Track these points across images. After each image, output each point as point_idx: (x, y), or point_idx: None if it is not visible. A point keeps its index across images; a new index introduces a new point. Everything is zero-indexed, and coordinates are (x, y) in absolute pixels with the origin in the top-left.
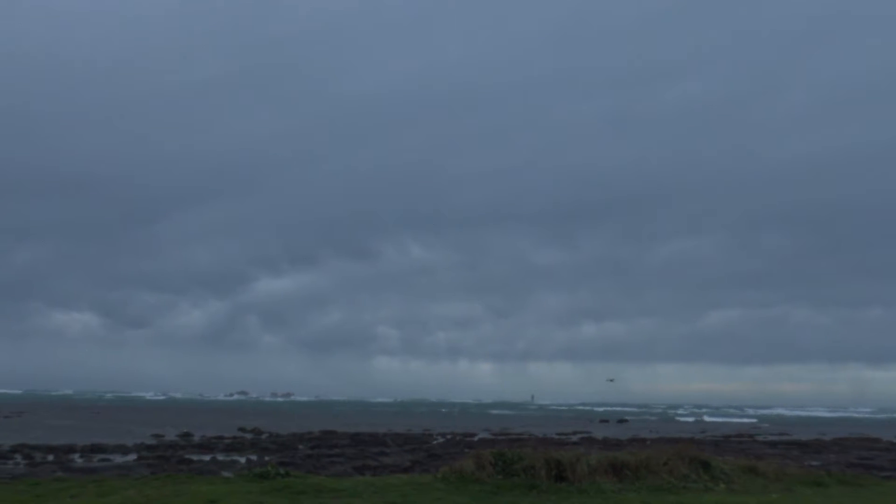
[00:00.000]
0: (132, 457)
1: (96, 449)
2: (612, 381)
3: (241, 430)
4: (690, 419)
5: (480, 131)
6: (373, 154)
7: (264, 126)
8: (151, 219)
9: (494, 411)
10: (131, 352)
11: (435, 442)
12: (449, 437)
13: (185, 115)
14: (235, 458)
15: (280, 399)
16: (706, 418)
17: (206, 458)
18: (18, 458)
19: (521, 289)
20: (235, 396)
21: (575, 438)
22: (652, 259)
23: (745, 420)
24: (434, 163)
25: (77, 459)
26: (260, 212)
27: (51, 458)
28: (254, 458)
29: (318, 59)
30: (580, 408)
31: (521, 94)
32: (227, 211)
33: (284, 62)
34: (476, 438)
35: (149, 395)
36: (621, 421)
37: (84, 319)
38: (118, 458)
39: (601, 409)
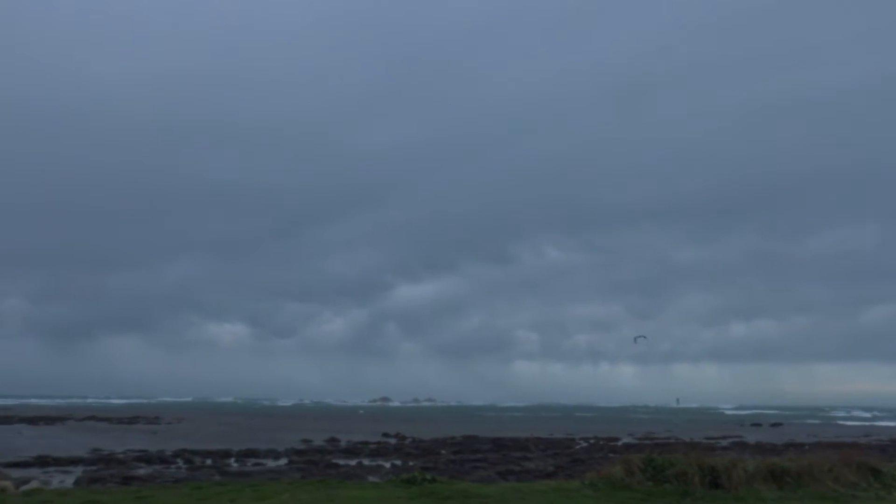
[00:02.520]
0: (283, 461)
1: (250, 454)
2: (642, 337)
3: (385, 435)
4: (853, 422)
5: (618, 129)
6: (507, 157)
7: (400, 135)
8: (295, 230)
9: (638, 415)
10: (279, 360)
11: (578, 447)
12: (592, 441)
13: (325, 127)
14: (380, 462)
15: (421, 404)
16: (870, 421)
17: (353, 462)
18: (180, 462)
19: (662, 288)
20: (378, 402)
21: (725, 443)
22: (804, 252)
23: None
24: (569, 163)
25: (233, 463)
26: (398, 220)
27: (209, 462)
28: (398, 462)
29: (455, 66)
30: (729, 411)
31: (659, 90)
32: (366, 220)
33: (421, 72)
34: (620, 443)
35: (296, 402)
36: (775, 424)
37: (235, 330)
38: (270, 463)
39: (752, 411)
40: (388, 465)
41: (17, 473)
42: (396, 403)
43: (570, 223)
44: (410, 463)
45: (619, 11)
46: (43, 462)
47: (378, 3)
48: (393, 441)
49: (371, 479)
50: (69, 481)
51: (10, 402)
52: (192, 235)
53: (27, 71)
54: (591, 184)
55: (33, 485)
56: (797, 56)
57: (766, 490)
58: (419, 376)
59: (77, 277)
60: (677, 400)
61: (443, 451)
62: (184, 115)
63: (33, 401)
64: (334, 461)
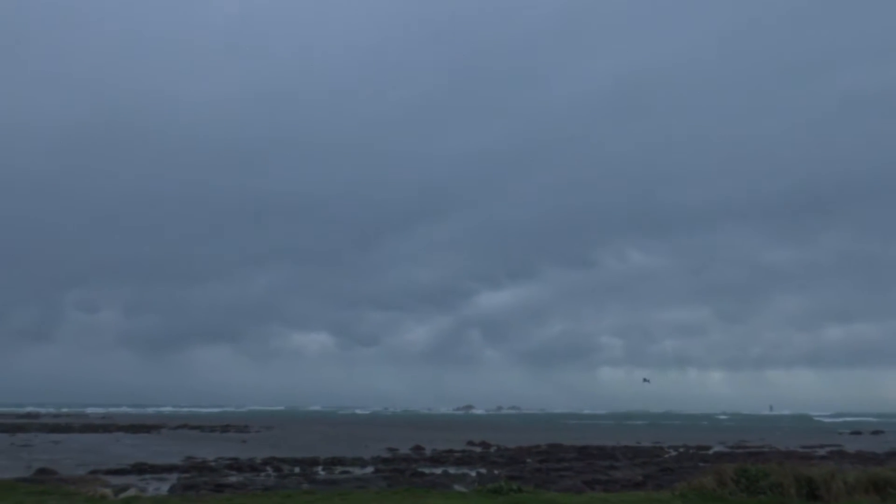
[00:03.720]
0: (369, 469)
1: (336, 462)
2: (646, 381)
3: (470, 443)
4: None
5: (701, 126)
6: (586, 159)
7: (480, 141)
8: (376, 239)
9: (728, 422)
10: (363, 368)
11: (667, 455)
12: (681, 450)
13: (404, 136)
14: (466, 471)
15: (505, 412)
16: None
17: (438, 471)
18: (269, 469)
19: (753, 291)
20: (462, 410)
21: (822, 452)
22: None
23: None
24: (651, 164)
25: (320, 471)
26: (479, 226)
27: (297, 470)
28: (483, 471)
29: (527, 69)
30: (826, 418)
31: (742, 84)
32: (447, 227)
33: (494, 77)
34: (710, 452)
35: (381, 410)
36: (876, 432)
37: (320, 339)
38: (357, 471)
39: (851, 419)
40: (473, 473)
41: (116, 480)
42: (480, 411)
43: (654, 225)
44: (496, 472)
45: (697, 5)
46: (140, 469)
47: (441, 12)
48: (478, 449)
49: (457, 487)
50: (164, 488)
51: (107, 410)
52: (276, 247)
53: (114, 94)
54: (676, 184)
55: (131, 492)
56: (874, 48)
57: (867, 502)
58: (503, 384)
59: (168, 290)
60: (770, 407)
61: (528, 460)
62: (263, 131)
63: (127, 409)
64: (420, 469)
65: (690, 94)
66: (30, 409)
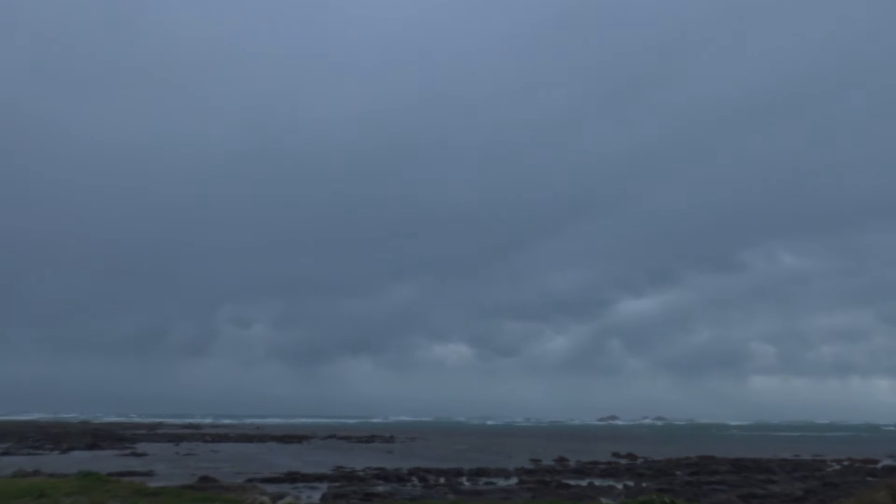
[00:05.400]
0: (513, 481)
1: (481, 473)
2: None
3: (615, 455)
4: None
5: (858, 115)
6: (730, 158)
7: (614, 143)
8: (513, 249)
9: None
10: (504, 379)
11: (829, 469)
12: (846, 463)
13: (537, 140)
14: (611, 483)
15: (650, 422)
16: None
17: (583, 483)
18: (415, 480)
19: None
20: (605, 421)
21: None
22: None
23: None
24: (803, 157)
25: (465, 482)
26: (616, 233)
27: (442, 480)
28: (630, 483)
29: (666, 68)
30: None
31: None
32: (584, 233)
33: (636, 76)
34: (879, 466)
35: (523, 420)
36: None
37: (459, 350)
38: (501, 482)
39: None
40: (619, 486)
41: (271, 489)
42: (623, 422)
43: (806, 224)
44: (644, 484)
45: None
46: (293, 478)
47: (582, 13)
48: (623, 461)
49: (604, 500)
50: (316, 497)
51: (259, 420)
52: (414, 259)
53: (266, 118)
54: (831, 178)
55: (287, 500)
56: None
57: None
58: (647, 394)
59: (313, 304)
60: None
61: (678, 472)
62: (398, 142)
63: (276, 420)
64: (564, 481)
65: (848, 84)
66: (191, 419)
